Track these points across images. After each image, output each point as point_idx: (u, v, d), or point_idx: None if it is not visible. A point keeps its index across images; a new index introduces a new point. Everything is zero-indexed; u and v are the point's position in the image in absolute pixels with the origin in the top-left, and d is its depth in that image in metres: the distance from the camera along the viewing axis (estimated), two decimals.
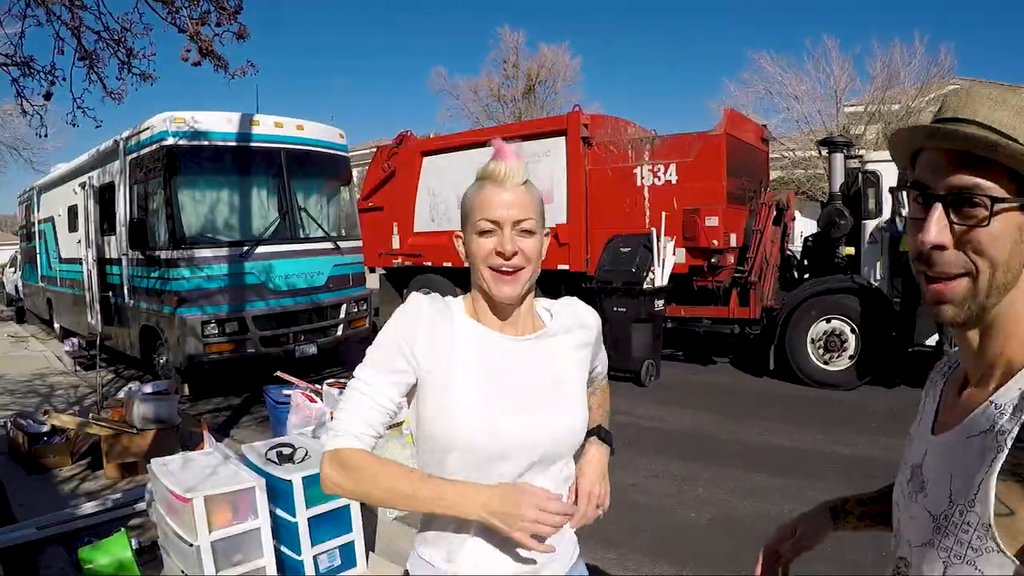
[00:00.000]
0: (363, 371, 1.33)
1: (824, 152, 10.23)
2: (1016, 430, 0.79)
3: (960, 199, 0.84)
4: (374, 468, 1.27)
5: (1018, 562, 0.78)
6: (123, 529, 3.75)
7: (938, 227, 0.85)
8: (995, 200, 0.82)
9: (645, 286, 8.05)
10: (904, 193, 0.95)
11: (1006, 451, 0.79)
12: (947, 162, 0.85)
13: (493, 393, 1.31)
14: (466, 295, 1.45)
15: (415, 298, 1.38)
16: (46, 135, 6.59)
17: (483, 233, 1.31)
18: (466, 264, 1.37)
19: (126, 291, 8.57)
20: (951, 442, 0.89)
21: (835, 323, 7.83)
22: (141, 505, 4.31)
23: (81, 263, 10.09)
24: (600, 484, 1.48)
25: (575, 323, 1.48)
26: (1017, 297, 0.87)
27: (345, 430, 1.30)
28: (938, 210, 0.85)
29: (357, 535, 3.53)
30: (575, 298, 1.57)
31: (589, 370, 1.52)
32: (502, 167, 1.33)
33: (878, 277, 7.90)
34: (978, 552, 0.81)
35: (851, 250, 8.22)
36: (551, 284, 10.23)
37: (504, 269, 1.31)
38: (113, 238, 8.82)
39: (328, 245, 8.69)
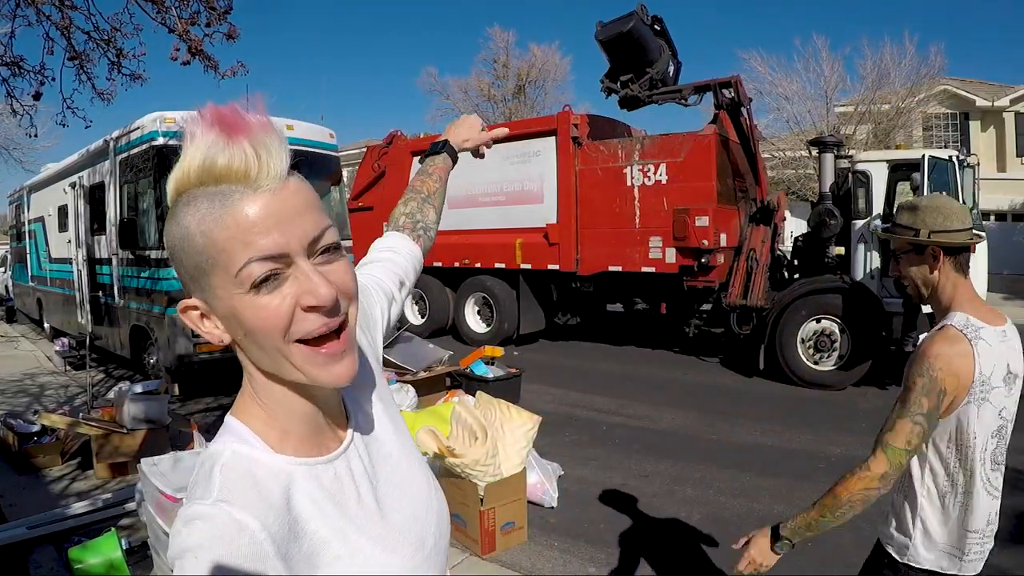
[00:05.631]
0: None
1: (814, 152, 10.33)
2: None
3: None
4: None
5: None
6: (113, 529, 3.75)
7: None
8: None
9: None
10: None
11: None
12: None
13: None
14: (236, 407, 0.80)
15: (222, 524, 0.66)
16: (36, 135, 6.60)
17: (260, 285, 0.69)
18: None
19: (116, 291, 8.52)
20: None
21: (825, 323, 7.87)
22: (131, 505, 4.30)
23: (71, 263, 10.04)
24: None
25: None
26: None
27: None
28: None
29: None
30: None
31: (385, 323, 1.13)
32: (244, 152, 0.68)
33: (869, 277, 7.95)
34: None
35: (841, 250, 8.27)
36: (541, 284, 10.26)
37: (324, 333, 0.72)
38: (103, 238, 8.78)
39: None
